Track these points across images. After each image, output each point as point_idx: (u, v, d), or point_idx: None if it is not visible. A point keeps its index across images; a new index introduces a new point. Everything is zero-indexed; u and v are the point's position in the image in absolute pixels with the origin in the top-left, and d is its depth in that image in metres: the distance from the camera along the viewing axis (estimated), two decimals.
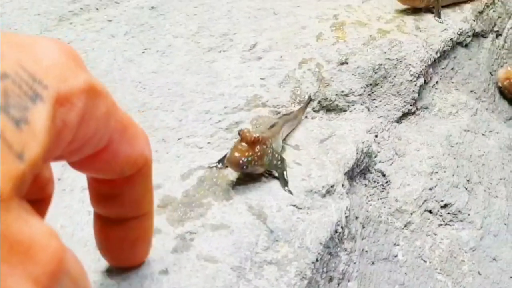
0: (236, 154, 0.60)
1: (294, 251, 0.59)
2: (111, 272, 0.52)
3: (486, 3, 1.08)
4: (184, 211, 0.59)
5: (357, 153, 0.75)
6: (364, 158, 0.77)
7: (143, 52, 0.89)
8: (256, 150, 0.61)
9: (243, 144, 0.61)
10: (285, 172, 0.65)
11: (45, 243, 0.29)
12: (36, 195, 0.42)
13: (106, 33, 0.93)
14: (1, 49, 0.30)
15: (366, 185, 0.78)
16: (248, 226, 0.59)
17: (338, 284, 0.65)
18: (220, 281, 0.53)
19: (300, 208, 0.63)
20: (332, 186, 0.68)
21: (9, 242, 0.27)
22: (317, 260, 0.60)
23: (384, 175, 0.80)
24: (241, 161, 0.60)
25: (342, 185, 0.70)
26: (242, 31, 0.93)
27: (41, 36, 0.37)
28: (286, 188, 0.64)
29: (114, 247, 0.49)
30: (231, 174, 0.64)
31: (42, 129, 0.30)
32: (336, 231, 0.65)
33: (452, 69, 0.98)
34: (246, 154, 0.60)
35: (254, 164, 0.61)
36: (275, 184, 0.64)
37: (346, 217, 0.67)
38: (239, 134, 0.61)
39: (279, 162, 0.65)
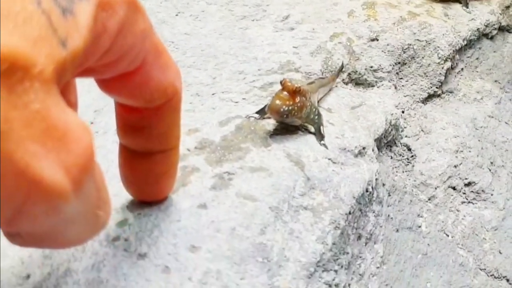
0: (278, 102, 0.61)
1: (329, 200, 0.59)
2: (149, 205, 0.52)
3: None
4: (223, 153, 0.60)
5: (386, 123, 0.76)
6: (391, 130, 0.78)
7: (176, 15, 0.90)
8: (297, 100, 0.61)
9: (285, 93, 0.61)
10: (321, 127, 0.65)
11: (80, 135, 0.28)
12: None
13: None
14: None
15: (391, 157, 0.78)
16: (286, 170, 0.59)
17: (366, 244, 0.65)
18: (259, 218, 0.54)
19: (335, 163, 0.64)
20: (363, 148, 0.68)
21: (46, 124, 0.26)
22: (350, 212, 0.60)
23: (409, 149, 0.80)
24: (282, 109, 0.60)
25: (373, 150, 0.70)
26: (274, 3, 0.94)
27: None
28: (322, 142, 0.65)
29: (139, 180, 0.48)
30: (268, 125, 0.64)
31: (85, 24, 0.29)
32: (367, 190, 0.65)
33: (477, 58, 0.99)
34: (287, 103, 0.61)
35: (293, 115, 0.61)
36: (311, 137, 0.65)
37: (376, 179, 0.68)
38: (281, 83, 0.62)
39: (317, 117, 0.65)
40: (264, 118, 0.65)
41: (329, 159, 0.63)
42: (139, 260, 0.48)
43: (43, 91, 0.26)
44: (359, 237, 0.64)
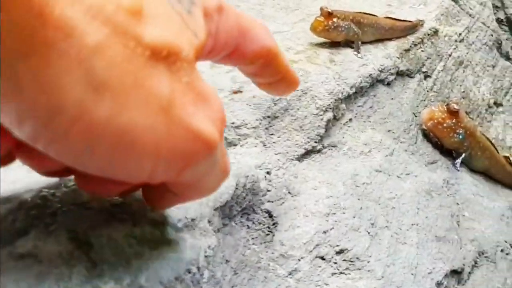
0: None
1: None
2: None
3: (413, 42, 1.01)
4: None
5: (236, 188, 0.66)
6: (247, 195, 0.67)
7: None
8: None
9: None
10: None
11: (216, 97, 0.37)
12: None
13: None
14: None
15: (248, 227, 0.68)
16: (64, 257, 0.48)
17: None
18: None
19: (141, 241, 0.53)
20: (192, 220, 0.58)
21: (195, 92, 0.35)
22: None
23: (271, 216, 0.70)
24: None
25: (209, 221, 0.60)
26: None
27: None
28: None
29: None
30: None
31: (202, 23, 0.38)
32: (189, 271, 0.54)
33: (371, 107, 0.90)
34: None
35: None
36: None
37: (206, 256, 0.57)
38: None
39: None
40: None
41: (133, 237, 0.53)
42: None
43: (189, 68, 0.35)
44: None
